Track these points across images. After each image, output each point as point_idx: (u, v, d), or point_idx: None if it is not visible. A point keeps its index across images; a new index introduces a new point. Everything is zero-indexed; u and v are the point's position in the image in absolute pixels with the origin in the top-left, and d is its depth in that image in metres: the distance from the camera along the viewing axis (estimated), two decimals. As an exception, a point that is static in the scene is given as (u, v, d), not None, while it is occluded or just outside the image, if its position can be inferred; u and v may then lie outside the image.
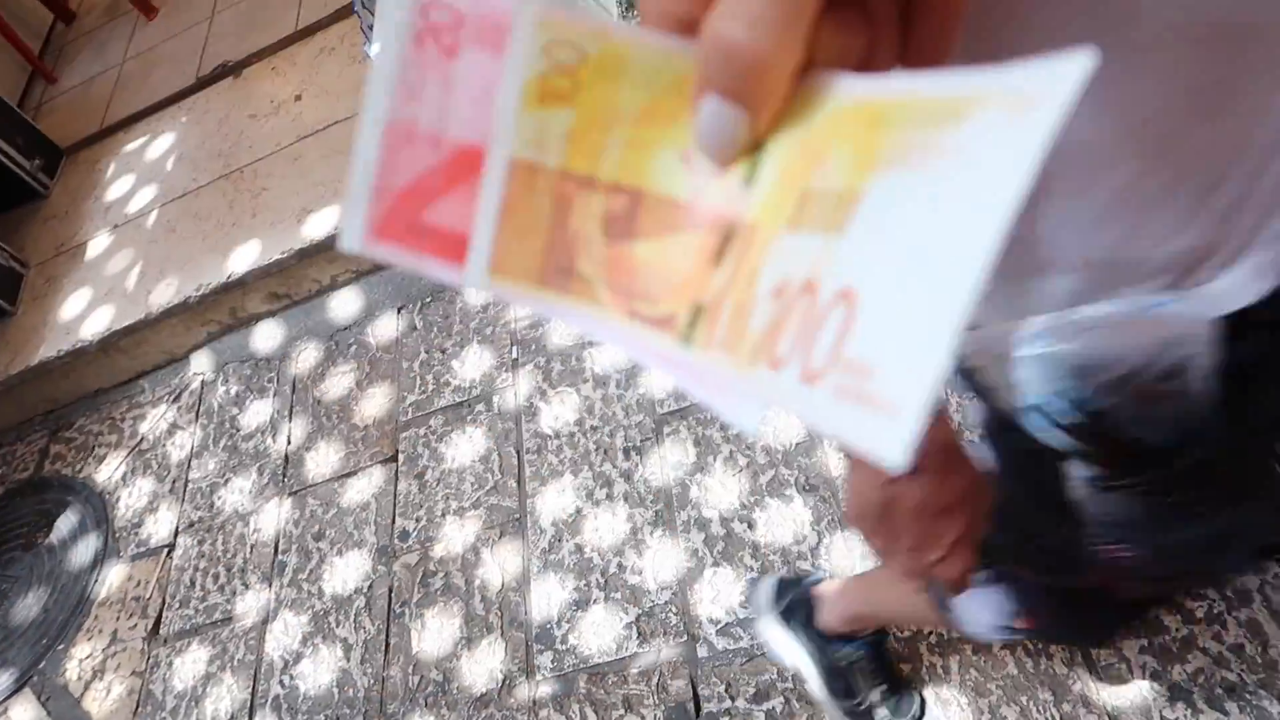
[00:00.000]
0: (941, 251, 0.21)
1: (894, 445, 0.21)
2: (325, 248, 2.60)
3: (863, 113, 0.25)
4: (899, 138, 0.24)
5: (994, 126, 0.21)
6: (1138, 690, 1.46)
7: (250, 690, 2.15)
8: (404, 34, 0.27)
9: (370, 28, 2.28)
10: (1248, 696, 1.41)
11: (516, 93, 0.28)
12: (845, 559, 1.76)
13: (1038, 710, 1.51)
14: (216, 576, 2.38)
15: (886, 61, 0.27)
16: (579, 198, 0.28)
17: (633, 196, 0.28)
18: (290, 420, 2.59)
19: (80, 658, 2.41)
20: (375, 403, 2.50)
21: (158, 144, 3.31)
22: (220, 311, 2.78)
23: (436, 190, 0.29)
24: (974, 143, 0.21)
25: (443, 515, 2.20)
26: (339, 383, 2.59)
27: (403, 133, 0.28)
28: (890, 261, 0.22)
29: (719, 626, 1.79)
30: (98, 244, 3.09)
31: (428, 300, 2.61)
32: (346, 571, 2.22)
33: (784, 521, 1.85)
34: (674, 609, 1.85)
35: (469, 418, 2.34)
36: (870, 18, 0.26)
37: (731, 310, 0.27)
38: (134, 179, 3.23)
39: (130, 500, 2.67)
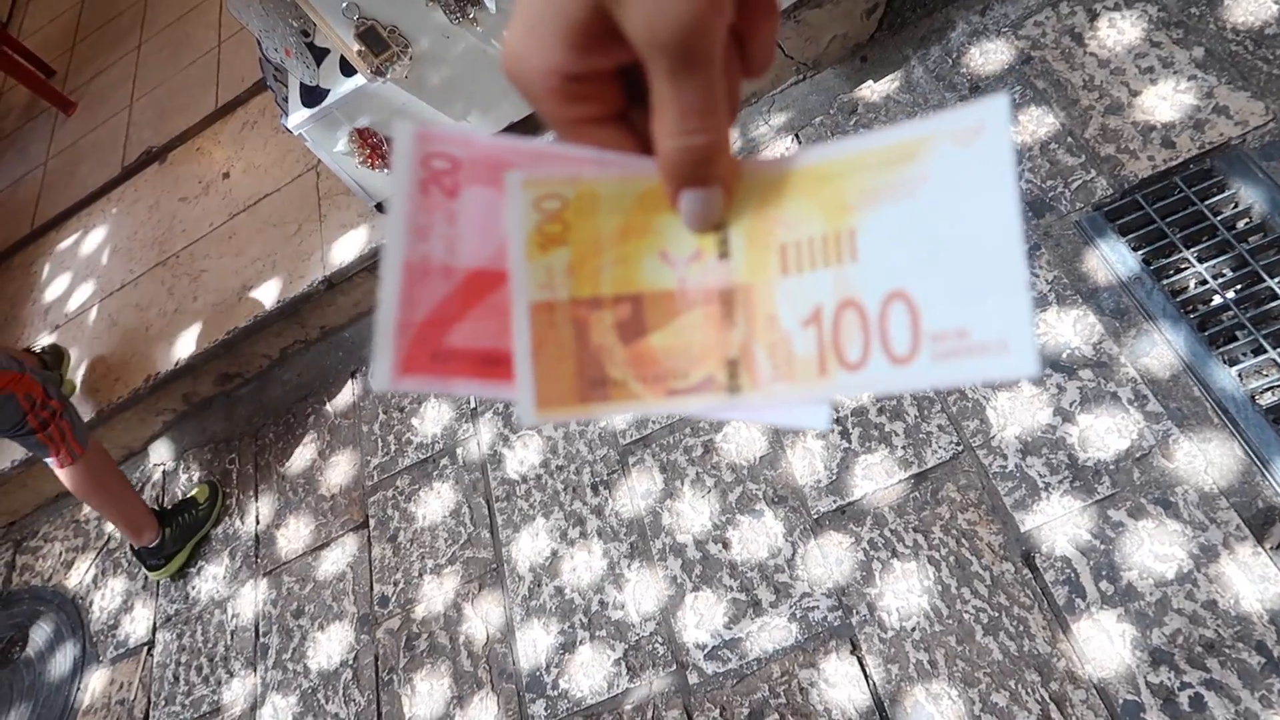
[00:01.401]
0: (977, 237, 0.28)
1: (1020, 367, 0.27)
2: (269, 323, 2.58)
3: (808, 177, 0.32)
4: (861, 184, 0.31)
5: (952, 154, 0.29)
6: (1120, 660, 1.47)
7: (247, 780, 2.12)
8: (410, 182, 0.32)
9: (285, 100, 2.28)
10: (1226, 651, 1.42)
11: (521, 248, 0.33)
12: (821, 568, 1.76)
13: (1027, 692, 1.51)
14: (200, 668, 2.33)
15: (736, 84, 0.35)
16: (592, 317, 0.34)
17: (634, 301, 0.34)
18: (257, 500, 2.55)
19: (70, 771, 2.35)
20: (340, 471, 2.47)
21: (91, 239, 3.27)
22: (173, 399, 2.75)
23: (454, 316, 0.33)
24: (947, 167, 0.29)
25: (420, 575, 2.18)
26: (301, 455, 2.57)
27: (417, 269, 0.33)
28: (927, 261, 0.29)
29: (706, 651, 1.78)
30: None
31: (380, 361, 2.59)
32: (330, 645, 2.19)
33: (757, 537, 1.85)
34: (660, 639, 1.84)
35: (435, 473, 2.32)
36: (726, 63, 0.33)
37: (767, 350, 0.33)
38: (70, 277, 3.19)
39: (104, 602, 2.62)
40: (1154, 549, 1.54)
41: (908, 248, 0.30)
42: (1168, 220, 1.80)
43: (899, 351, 0.30)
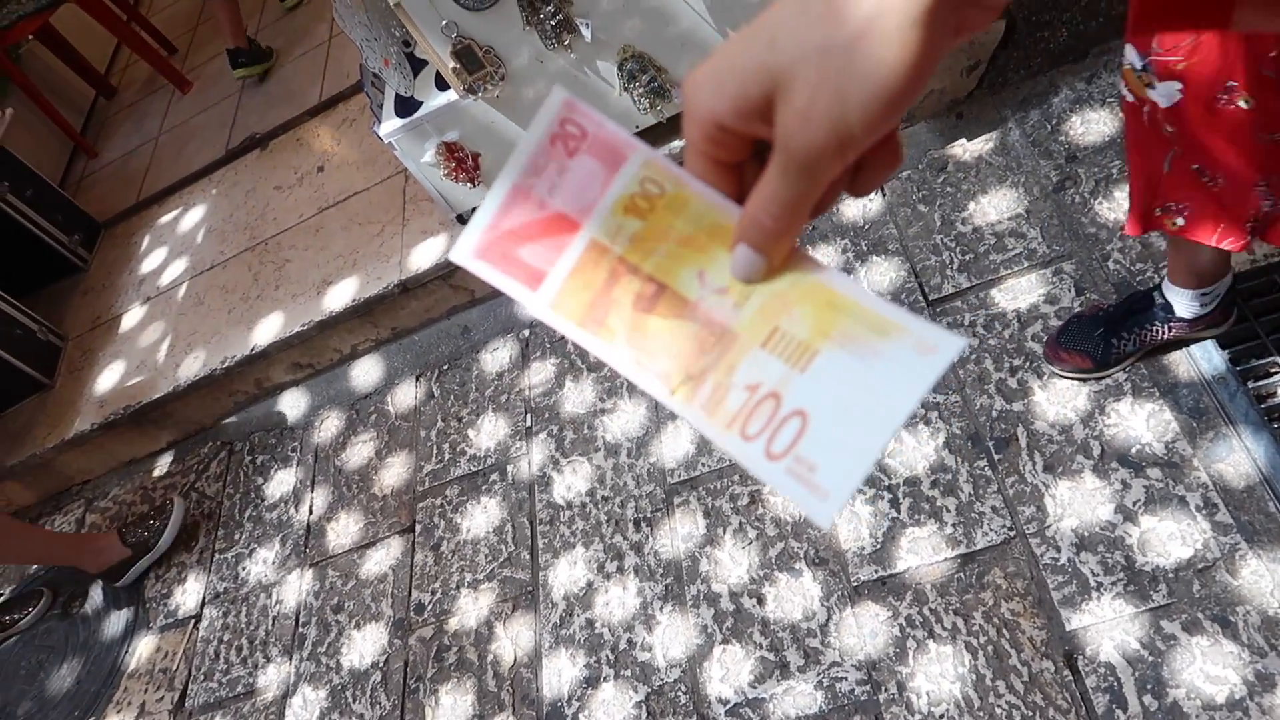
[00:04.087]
0: (870, 417, 0.37)
1: (822, 517, 0.37)
2: (343, 319, 2.64)
3: (825, 294, 0.40)
4: (847, 327, 0.39)
5: (907, 354, 0.37)
6: (1156, 782, 1.40)
7: (270, 767, 2.17)
8: (544, 133, 0.41)
9: (379, 107, 2.33)
10: (1272, 790, 1.34)
11: (614, 201, 0.41)
12: (854, 638, 1.72)
13: (1053, 801, 1.45)
14: (240, 649, 2.40)
15: (836, 192, 0.42)
16: (625, 277, 0.42)
17: (660, 288, 0.42)
18: (312, 490, 2.62)
19: (109, 732, 2.44)
20: (394, 472, 2.52)
21: (189, 216, 3.40)
22: (245, 382, 2.83)
23: (531, 237, 0.42)
24: (896, 358, 0.37)
25: (457, 588, 2.20)
26: (359, 452, 2.62)
27: (522, 193, 0.41)
28: (835, 406, 0.38)
29: (728, 707, 1.76)
30: (131, 317, 3.17)
31: (445, 368, 2.63)
32: (364, 645, 2.23)
33: (793, 597, 1.82)
34: (683, 688, 1.82)
35: (484, 487, 2.34)
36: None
37: (713, 386, 0.40)
38: (166, 252, 3.32)
39: (160, 570, 2.71)
40: (1206, 669, 1.46)
41: (834, 389, 0.38)
42: (1261, 319, 1.71)
43: (775, 450, 0.38)
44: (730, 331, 0.41)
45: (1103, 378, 1.76)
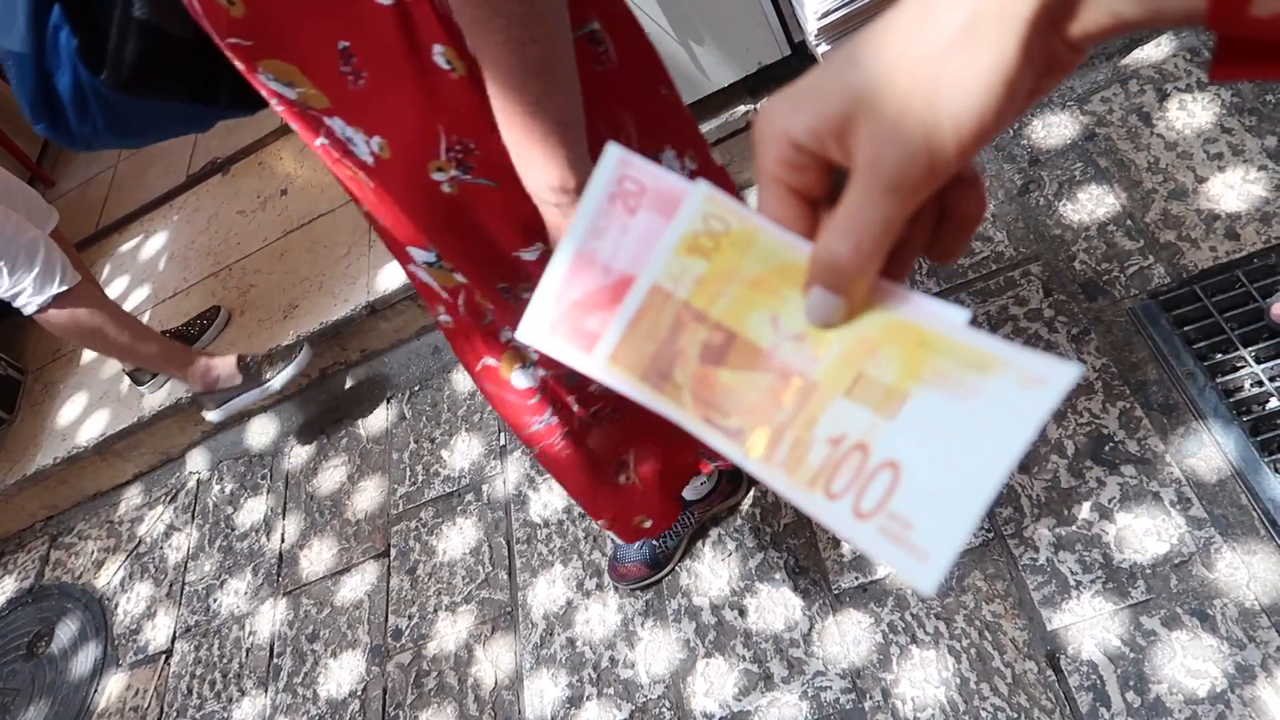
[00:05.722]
0: (972, 463, 0.32)
1: (924, 581, 0.32)
2: (312, 342, 2.61)
3: (913, 332, 0.35)
4: (940, 365, 0.34)
5: (1010, 389, 0.32)
6: None
7: (247, 803, 2.11)
8: (603, 192, 0.39)
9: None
10: None
11: (675, 241, 0.38)
12: (837, 646, 1.71)
13: (1041, 803, 1.44)
14: (213, 683, 2.35)
15: (914, 253, 0.39)
16: (691, 325, 0.38)
17: (729, 336, 0.38)
18: (284, 517, 2.57)
19: (79, 773, 2.38)
20: (367, 496, 2.48)
21: (150, 244, 3.35)
22: (213, 410, 2.78)
23: (599, 305, 0.39)
24: (997, 395, 0.32)
25: (435, 611, 2.17)
26: (331, 477, 2.58)
27: (585, 259, 0.39)
28: (931, 454, 0.33)
29: (713, 721, 1.74)
30: (93, 347, 3.11)
31: (416, 389, 2.61)
32: (340, 674, 2.19)
33: (775, 607, 1.81)
34: (667, 703, 1.80)
35: (459, 508, 2.31)
36: (914, 226, 0.38)
37: (792, 442, 0.36)
38: (128, 280, 3.26)
39: (129, 605, 2.65)
40: (1186, 663, 1.47)
41: (929, 435, 0.33)
42: (1226, 315, 1.73)
43: (864, 508, 0.34)
44: (810, 382, 0.37)
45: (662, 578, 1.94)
